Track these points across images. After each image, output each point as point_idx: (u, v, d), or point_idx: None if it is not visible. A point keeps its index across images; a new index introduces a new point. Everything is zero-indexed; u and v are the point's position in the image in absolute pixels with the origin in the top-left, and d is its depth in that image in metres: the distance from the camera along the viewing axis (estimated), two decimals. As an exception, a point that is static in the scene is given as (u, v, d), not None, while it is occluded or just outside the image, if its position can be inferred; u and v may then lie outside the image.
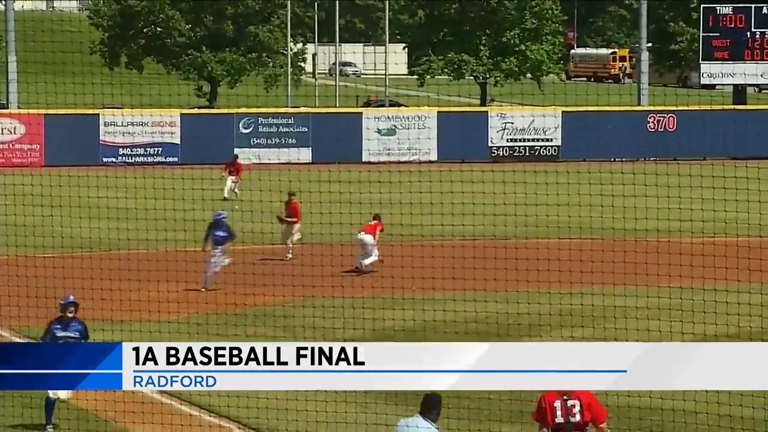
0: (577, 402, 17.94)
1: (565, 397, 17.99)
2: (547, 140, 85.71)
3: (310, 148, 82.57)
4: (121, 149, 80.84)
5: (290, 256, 43.92)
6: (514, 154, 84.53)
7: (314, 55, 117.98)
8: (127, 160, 79.54)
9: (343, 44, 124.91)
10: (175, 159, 79.69)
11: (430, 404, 17.81)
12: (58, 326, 24.34)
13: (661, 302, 33.90)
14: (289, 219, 44.40)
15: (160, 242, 43.13)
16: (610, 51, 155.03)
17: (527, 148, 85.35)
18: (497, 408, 24.12)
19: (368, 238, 42.00)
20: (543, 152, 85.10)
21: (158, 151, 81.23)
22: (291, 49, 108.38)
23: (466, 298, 33.92)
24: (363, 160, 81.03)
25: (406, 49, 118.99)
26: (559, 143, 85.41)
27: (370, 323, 32.23)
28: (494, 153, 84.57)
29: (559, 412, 17.96)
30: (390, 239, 42.42)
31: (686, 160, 77.89)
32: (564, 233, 46.17)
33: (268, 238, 42.61)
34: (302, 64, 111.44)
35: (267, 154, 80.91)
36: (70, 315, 24.29)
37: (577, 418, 17.89)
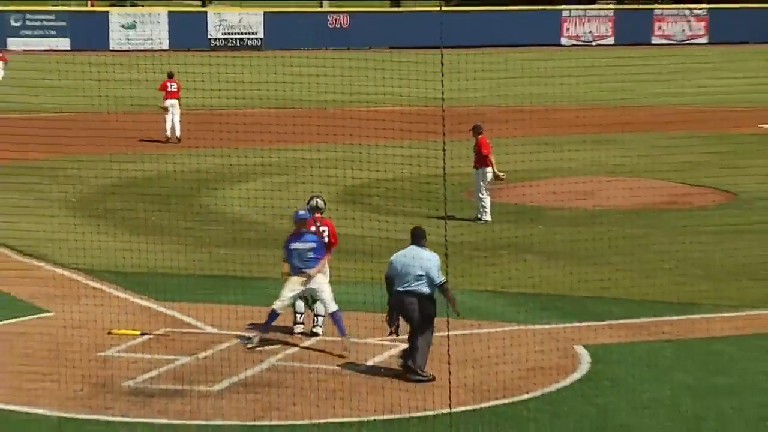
0: (326, 228, 18.38)
1: (317, 224, 18.29)
2: (253, 34, 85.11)
3: (68, 38, 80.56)
4: None
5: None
6: (228, 44, 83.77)
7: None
8: None
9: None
10: (-41, 46, 77.09)
11: (418, 234, 16.60)
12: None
13: (337, 155, 34.32)
14: None
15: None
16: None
17: (238, 40, 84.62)
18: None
19: (177, 102, 40.82)
20: (250, 43, 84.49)
21: (-55, 40, 78.39)
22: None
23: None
24: (111, 48, 79.44)
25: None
26: (262, 36, 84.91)
27: (116, 173, 31.68)
28: (213, 43, 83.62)
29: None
30: (125, 108, 41.66)
31: (357, 49, 78.48)
32: (266, 104, 46.10)
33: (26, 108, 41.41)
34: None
35: (33, 43, 78.63)
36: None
37: (325, 239, 18.27)
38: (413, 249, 16.52)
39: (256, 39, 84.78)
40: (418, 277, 16.28)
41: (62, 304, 19.84)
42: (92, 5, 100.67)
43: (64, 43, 79.89)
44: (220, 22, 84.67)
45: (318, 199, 18.59)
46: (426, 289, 16.29)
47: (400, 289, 16.32)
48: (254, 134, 31.95)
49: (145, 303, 19.98)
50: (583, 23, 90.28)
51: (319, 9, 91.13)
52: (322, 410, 15.10)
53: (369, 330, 18.03)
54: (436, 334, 17.69)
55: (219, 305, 19.57)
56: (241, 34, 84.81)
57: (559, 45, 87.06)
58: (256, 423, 14.71)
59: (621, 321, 19.07)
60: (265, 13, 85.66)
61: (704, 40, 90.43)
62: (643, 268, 21.95)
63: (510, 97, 42.03)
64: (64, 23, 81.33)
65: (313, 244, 17.77)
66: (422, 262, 16.32)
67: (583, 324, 18.80)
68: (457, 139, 30.11)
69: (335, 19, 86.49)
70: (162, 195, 28.95)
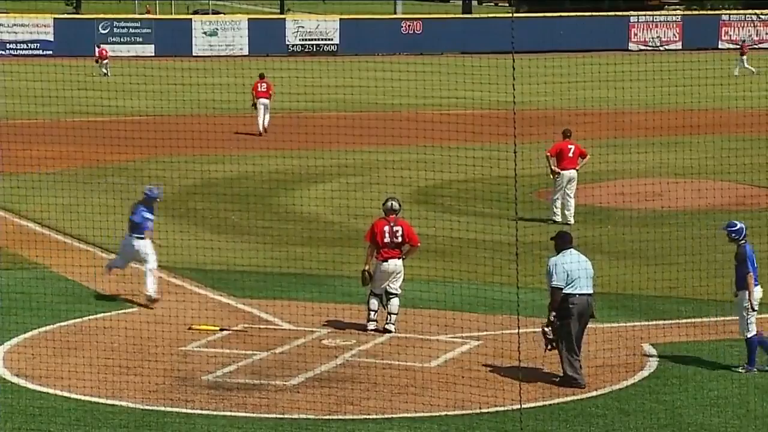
0: (400, 228, 18.26)
1: (391, 224, 18.23)
2: (329, 40, 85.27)
3: (153, 45, 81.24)
4: (8, 44, 78.86)
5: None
6: (305, 50, 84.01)
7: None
8: (12, 53, 77.55)
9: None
10: (50, 52, 77.92)
11: (569, 239, 16.36)
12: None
13: (411, 156, 34.34)
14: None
15: (39, 113, 42.19)
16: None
17: (314, 45, 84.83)
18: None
19: (267, 101, 40.72)
20: (326, 49, 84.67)
21: (37, 46, 79.37)
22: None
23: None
24: (193, 54, 79.98)
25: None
26: (338, 42, 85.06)
27: (198, 174, 31.89)
28: (290, 49, 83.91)
29: (387, 235, 18.19)
30: (207, 111, 41.87)
31: (430, 54, 78.35)
32: (341, 107, 46.16)
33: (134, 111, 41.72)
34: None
35: (120, 49, 79.31)
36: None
37: (399, 240, 18.21)
38: (575, 252, 16.15)
39: (332, 45, 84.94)
40: (591, 279, 16.02)
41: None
42: (149, 13, 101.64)
43: (149, 49, 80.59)
44: (297, 28, 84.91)
45: (393, 201, 18.54)
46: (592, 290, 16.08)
47: (582, 292, 15.91)
48: (330, 136, 31.98)
49: (224, 299, 20.00)
50: (651, 29, 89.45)
51: (393, 15, 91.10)
52: (395, 405, 15.00)
53: (441, 327, 17.92)
54: (506, 331, 17.56)
55: (295, 302, 19.51)
56: (318, 39, 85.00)
57: (627, 50, 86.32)
58: (331, 417, 14.65)
59: (689, 320, 18.81)
60: (341, 19, 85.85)
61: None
62: (710, 268, 21.60)
63: (579, 101, 41.71)
64: (149, 30, 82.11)
65: None
66: (589, 264, 16.09)
67: (651, 323, 18.55)
68: (528, 142, 30.09)
69: (408, 25, 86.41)
70: (241, 195, 29.05)
